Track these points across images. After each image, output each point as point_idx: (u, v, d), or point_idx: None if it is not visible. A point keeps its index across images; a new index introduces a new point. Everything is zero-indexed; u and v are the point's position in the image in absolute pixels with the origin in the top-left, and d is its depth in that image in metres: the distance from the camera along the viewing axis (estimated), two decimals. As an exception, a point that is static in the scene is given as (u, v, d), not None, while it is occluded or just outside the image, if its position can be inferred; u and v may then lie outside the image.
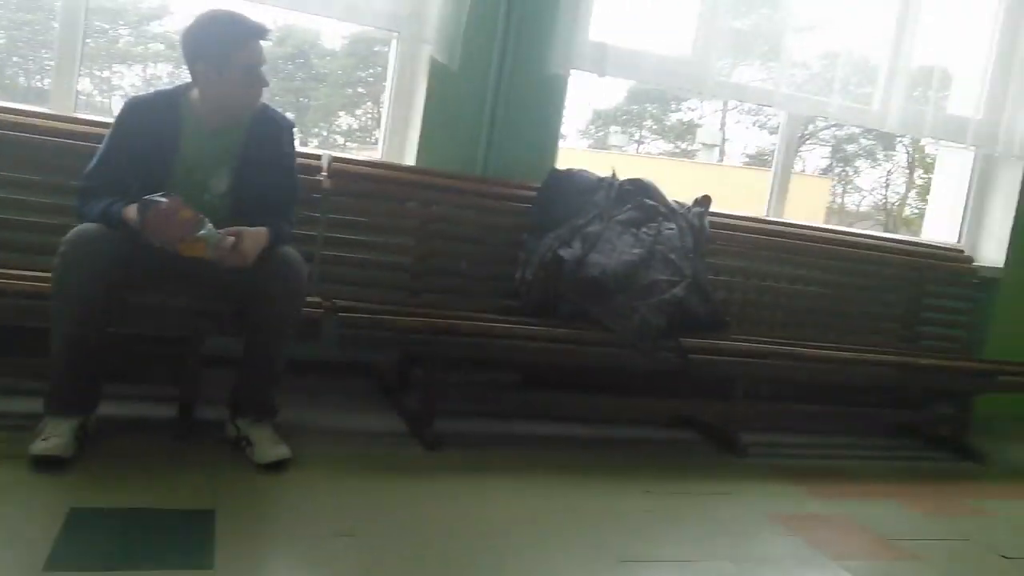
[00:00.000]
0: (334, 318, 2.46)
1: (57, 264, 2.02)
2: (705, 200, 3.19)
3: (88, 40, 2.88)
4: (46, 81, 2.78)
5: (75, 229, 2.08)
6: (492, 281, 3.09)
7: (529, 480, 2.41)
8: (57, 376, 2.08)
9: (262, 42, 2.25)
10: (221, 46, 2.19)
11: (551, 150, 3.31)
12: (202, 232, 2.06)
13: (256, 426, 2.25)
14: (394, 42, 3.24)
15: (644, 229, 3.00)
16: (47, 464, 1.97)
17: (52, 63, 2.86)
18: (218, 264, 2.11)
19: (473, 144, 3.20)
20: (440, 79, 3.12)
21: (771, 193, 3.76)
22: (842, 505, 2.53)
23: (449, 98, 3.16)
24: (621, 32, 3.31)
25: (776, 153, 3.79)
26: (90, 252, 2.03)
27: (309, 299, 2.35)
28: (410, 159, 3.20)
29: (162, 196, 2.05)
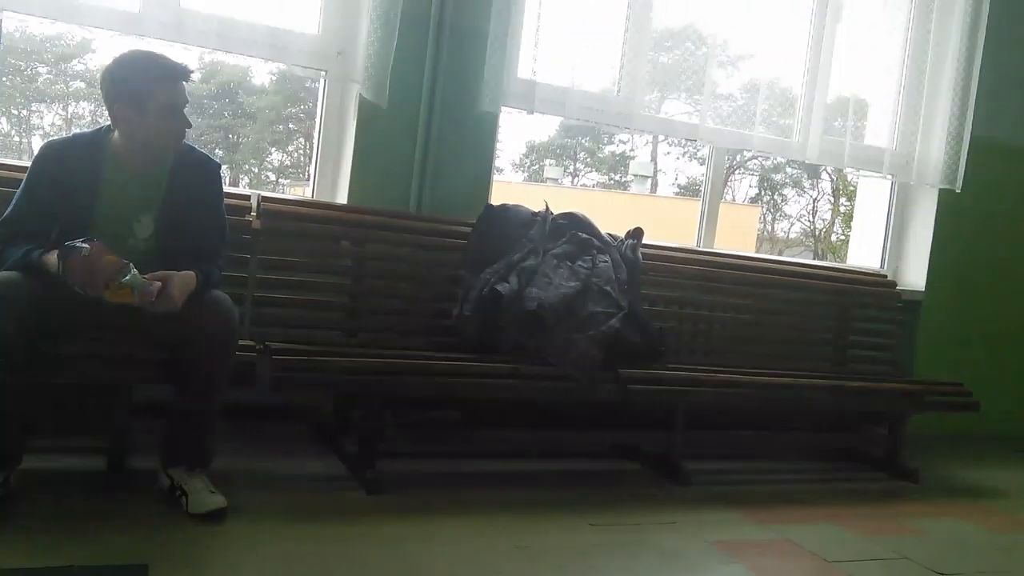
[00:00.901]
0: (268, 360, 2.41)
1: (-27, 314, 1.93)
2: (637, 232, 3.25)
3: (4, 79, 2.78)
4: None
5: (-9, 278, 1.99)
6: (430, 318, 3.07)
7: (474, 520, 2.38)
8: (-25, 431, 1.98)
9: (184, 83, 2.22)
10: (139, 86, 2.16)
11: (485, 185, 3.34)
12: (127, 278, 2.00)
13: (190, 475, 2.18)
14: (323, 80, 3.23)
15: (579, 262, 3.04)
16: (-36, 525, 1.86)
17: (-36, 105, 2.76)
18: (146, 310, 2.04)
19: (406, 181, 3.20)
20: (370, 117, 3.12)
21: (701, 223, 3.86)
22: (783, 530, 2.57)
23: (380, 136, 3.16)
24: (549, 69, 3.38)
25: (704, 184, 3.90)
26: (8, 300, 1.96)
27: (242, 342, 2.30)
28: (342, 197, 3.18)
29: (84, 242, 1.99)
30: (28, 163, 2.25)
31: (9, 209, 2.17)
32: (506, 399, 2.80)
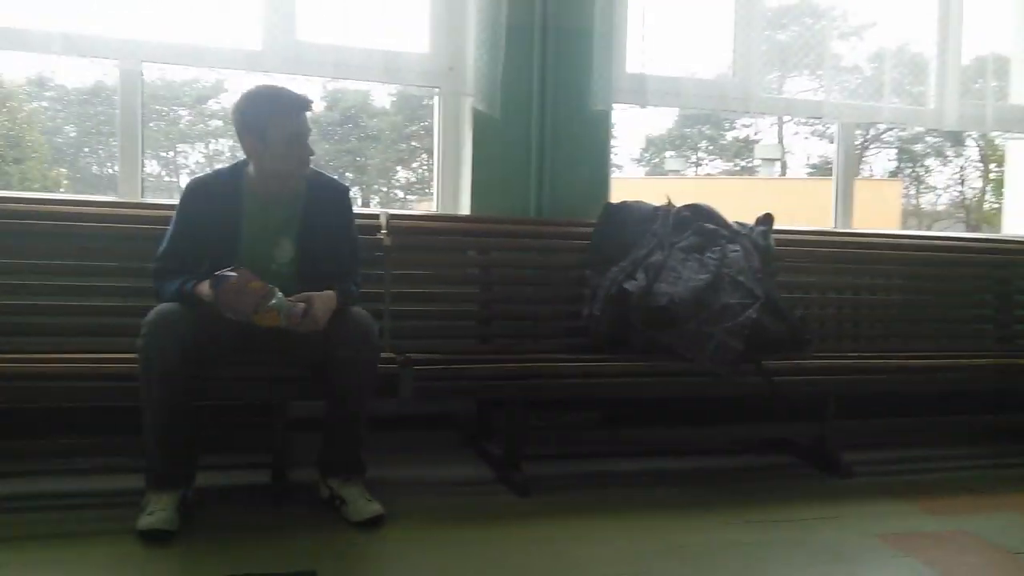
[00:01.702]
0: (409, 372, 2.47)
1: (141, 345, 2.08)
2: (767, 218, 3.14)
3: (151, 124, 2.99)
4: (115, 167, 2.88)
5: (154, 310, 2.14)
6: (560, 320, 3.07)
7: (624, 519, 2.35)
8: (153, 452, 2.13)
9: (305, 113, 2.30)
10: (263, 119, 2.26)
11: (603, 184, 3.31)
12: (273, 301, 2.10)
13: (347, 485, 2.26)
14: (437, 97, 3.30)
15: (708, 254, 2.96)
16: (153, 538, 2.01)
17: (118, 151, 2.98)
18: (292, 331, 2.14)
19: (524, 187, 3.22)
20: (485, 128, 3.17)
21: (835, 203, 3.69)
22: (958, 520, 2.41)
23: (496, 145, 3.19)
24: (659, 60, 3.33)
25: (835, 162, 3.73)
26: (170, 331, 2.09)
27: (383, 355, 2.37)
28: (465, 208, 3.23)
29: (231, 271, 2.11)
30: (177, 201, 2.40)
31: (163, 244, 2.32)
32: (645, 398, 2.76)
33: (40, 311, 2.58)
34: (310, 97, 2.33)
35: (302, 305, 2.14)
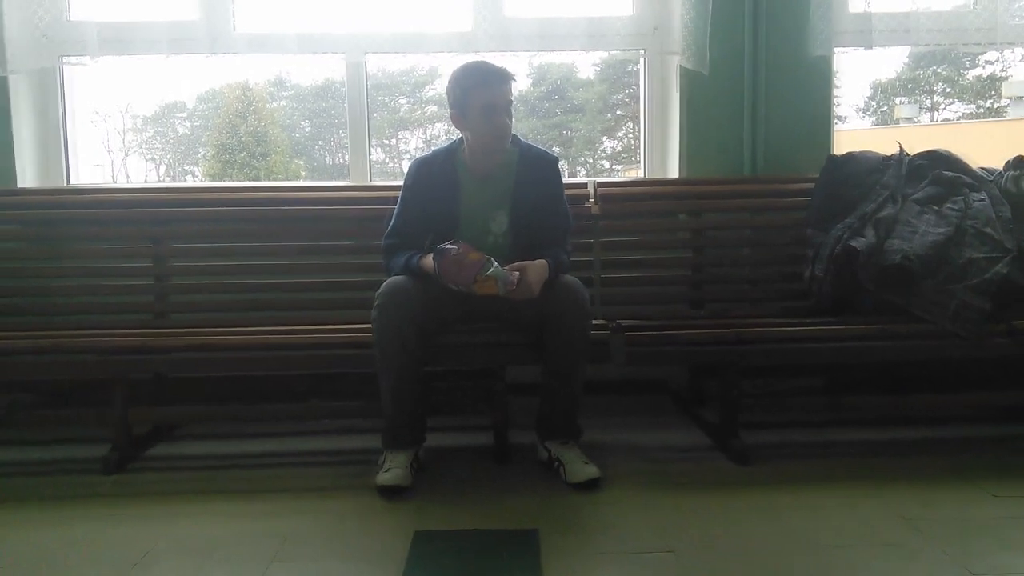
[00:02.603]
0: (620, 338, 2.48)
1: (375, 316, 2.26)
2: (1019, 161, 2.79)
3: (375, 114, 3.21)
4: (346, 157, 3.14)
5: (386, 283, 2.31)
6: (778, 283, 2.94)
7: (851, 490, 2.22)
8: (389, 414, 2.32)
9: (504, 85, 2.33)
10: (462, 91, 2.35)
11: (825, 136, 3.11)
12: (491, 271, 2.19)
13: (564, 448, 2.33)
14: (642, 60, 3.25)
15: (948, 205, 2.70)
16: (390, 492, 2.20)
17: (348, 140, 3.24)
18: (508, 299, 2.22)
19: (737, 145, 3.10)
20: (693, 86, 3.08)
21: (1105, 139, 3.20)
22: None
23: (705, 103, 3.09)
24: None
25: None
26: (402, 302, 2.24)
27: (595, 322, 2.40)
28: (673, 172, 3.17)
29: (451, 244, 2.22)
30: (400, 182, 2.57)
31: (391, 222, 2.50)
32: (874, 362, 2.57)
33: (286, 287, 2.89)
34: (509, 70, 2.36)
35: (517, 274, 2.22)
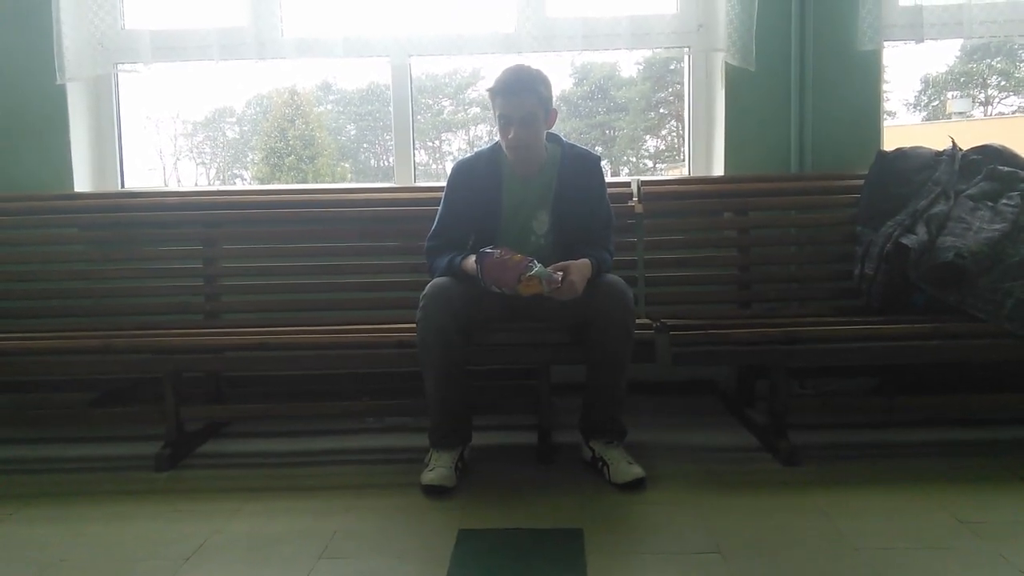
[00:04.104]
0: (665, 337, 2.46)
1: (419, 317, 2.28)
2: (1079, 154, 2.71)
3: (419, 117, 3.24)
4: (391, 159, 3.17)
5: (430, 284, 2.32)
6: (827, 281, 2.90)
7: (904, 492, 2.17)
8: (434, 413, 2.33)
9: (517, 97, 2.29)
10: (490, 97, 2.38)
11: (874, 132, 3.05)
12: (534, 271, 2.19)
13: (609, 447, 2.33)
14: (686, 58, 3.23)
15: (1004, 200, 2.63)
16: (435, 491, 2.21)
17: (392, 143, 3.28)
18: (552, 298, 2.22)
19: (783, 142, 3.06)
20: (738, 83, 3.04)
21: None
22: None
23: (751, 100, 3.06)
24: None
25: None
26: (446, 303, 2.26)
27: (638, 320, 2.38)
28: (719, 170, 3.14)
29: (492, 248, 2.23)
30: (443, 184, 2.58)
31: (435, 224, 2.51)
32: (929, 363, 2.51)
33: (334, 288, 2.93)
34: (538, 79, 2.33)
35: (561, 273, 2.22)
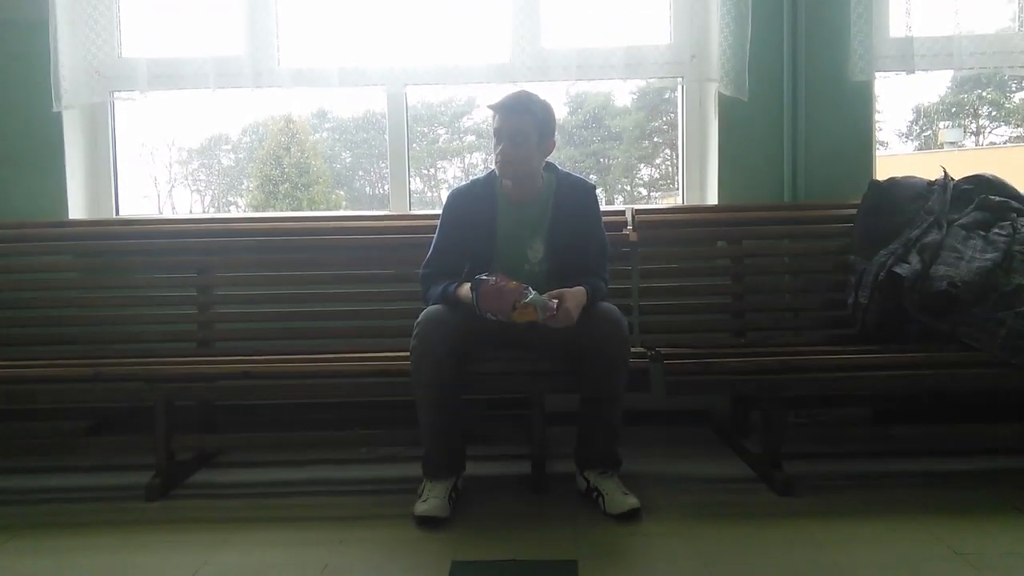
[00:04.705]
0: (660, 366, 2.46)
1: (414, 346, 2.27)
2: (1070, 184, 2.73)
3: (414, 145, 3.25)
4: (386, 187, 3.18)
5: (424, 312, 2.32)
6: (821, 310, 2.90)
7: (898, 523, 2.16)
8: (427, 443, 2.32)
9: (513, 115, 2.34)
10: (492, 115, 2.41)
11: (866, 162, 3.08)
12: (529, 298, 2.19)
13: (604, 478, 2.31)
14: (680, 87, 3.25)
15: (995, 230, 2.64)
16: (429, 522, 2.19)
17: (388, 171, 3.29)
18: (547, 326, 2.22)
19: (777, 172, 3.08)
20: (731, 113, 3.07)
21: None
22: None
23: (744, 130, 3.09)
24: (927, 20, 3.02)
25: None
26: (440, 332, 2.25)
27: (632, 349, 2.38)
28: (712, 199, 3.15)
29: (487, 275, 2.23)
30: (439, 211, 2.59)
31: (430, 251, 2.51)
32: (921, 392, 2.51)
33: (329, 316, 2.92)
34: (534, 102, 2.37)
35: (556, 301, 2.21)
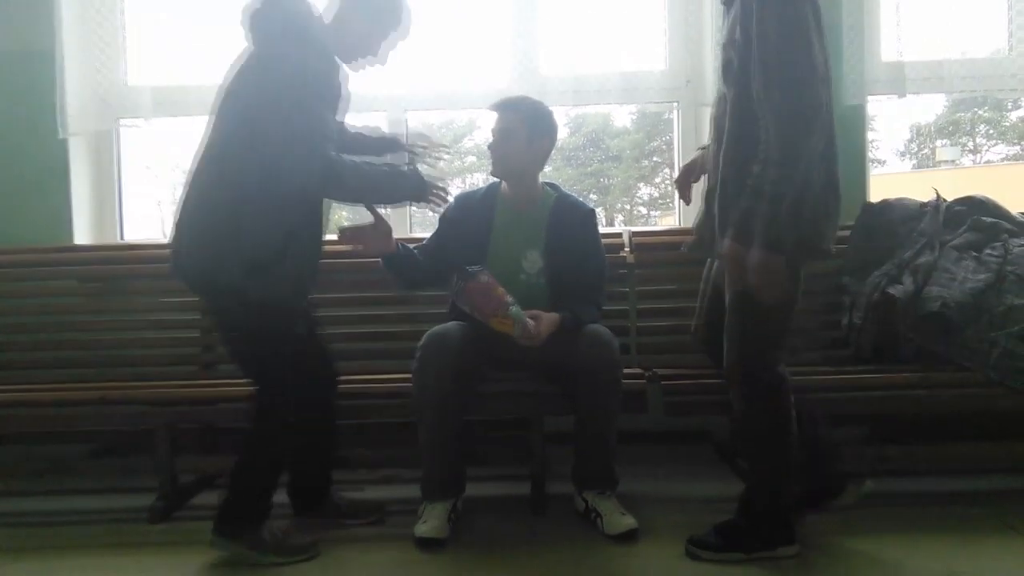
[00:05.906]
0: (657, 387, 2.48)
1: (416, 368, 2.30)
2: (1061, 205, 2.77)
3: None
4: (386, 207, 3.21)
5: (427, 334, 2.34)
6: (816, 331, 2.92)
7: (896, 541, 2.18)
8: (427, 464, 2.34)
9: (500, 113, 2.48)
10: None
11: (860, 183, 3.11)
12: (511, 310, 2.23)
13: (602, 498, 2.33)
14: (676, 111, 3.31)
15: (987, 251, 2.68)
16: (428, 544, 2.20)
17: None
18: (516, 340, 2.26)
19: (772, 194, 3.11)
20: (728, 137, 3.10)
21: None
22: None
23: (740, 153, 3.11)
24: (919, 44, 3.08)
25: None
26: (443, 354, 2.27)
27: (630, 370, 2.41)
28: (709, 221, 3.18)
29: (480, 268, 2.28)
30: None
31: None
32: (918, 412, 2.53)
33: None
34: (514, 101, 2.51)
35: (533, 323, 2.25)
